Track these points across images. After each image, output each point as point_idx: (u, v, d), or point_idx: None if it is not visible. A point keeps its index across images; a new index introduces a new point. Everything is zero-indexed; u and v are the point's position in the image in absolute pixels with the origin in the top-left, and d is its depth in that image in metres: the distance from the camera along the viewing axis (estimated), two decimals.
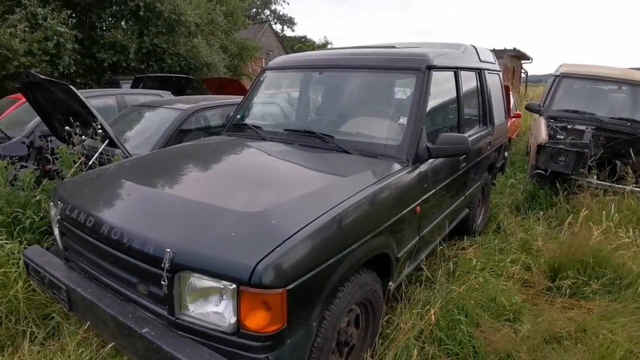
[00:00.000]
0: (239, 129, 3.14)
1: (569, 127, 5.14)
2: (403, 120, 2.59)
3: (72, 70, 11.08)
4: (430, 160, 2.61)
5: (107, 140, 3.57)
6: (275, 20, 61.39)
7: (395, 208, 2.20)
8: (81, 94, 3.39)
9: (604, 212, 3.29)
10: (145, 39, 12.03)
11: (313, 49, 22.08)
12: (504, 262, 3.07)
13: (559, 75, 5.75)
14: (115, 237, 1.74)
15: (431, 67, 2.72)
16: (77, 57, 11.17)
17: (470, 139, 3.37)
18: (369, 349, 2.15)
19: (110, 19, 11.83)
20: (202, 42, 13.57)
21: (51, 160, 3.34)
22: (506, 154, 4.88)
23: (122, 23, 12.33)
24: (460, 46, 3.60)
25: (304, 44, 26.05)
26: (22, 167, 3.88)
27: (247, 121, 3.18)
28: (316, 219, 1.69)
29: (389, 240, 2.16)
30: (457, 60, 3.28)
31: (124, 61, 11.81)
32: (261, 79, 3.40)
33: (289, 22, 61.14)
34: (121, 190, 2.08)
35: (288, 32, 52.50)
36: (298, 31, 68.08)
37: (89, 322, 1.91)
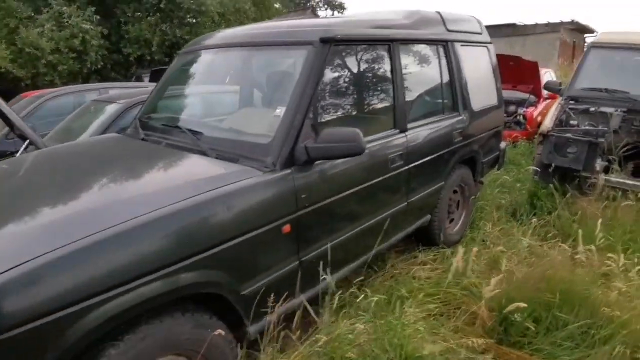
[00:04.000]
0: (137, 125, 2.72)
1: (592, 109, 4.12)
2: (280, 111, 2.00)
3: (99, 66, 11.40)
4: (322, 162, 2.02)
5: (27, 140, 3.35)
6: (326, 5, 60.86)
7: (224, 231, 1.65)
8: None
9: (579, 230, 2.43)
10: (168, 32, 12.08)
11: None
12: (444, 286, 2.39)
13: (588, 46, 4.67)
14: None
15: (329, 41, 2.08)
16: (104, 52, 11.46)
17: (418, 130, 2.73)
18: None
19: (133, 13, 11.99)
20: None
21: None
22: (502, 144, 4.01)
23: (148, 17, 12.47)
24: (410, 13, 2.85)
25: None
26: None
27: (143, 116, 2.75)
28: (57, 248, 1.24)
29: (216, 274, 1.62)
30: (393, 30, 2.57)
31: (149, 54, 11.96)
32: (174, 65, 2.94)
33: (339, 7, 60.25)
34: None
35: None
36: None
37: None
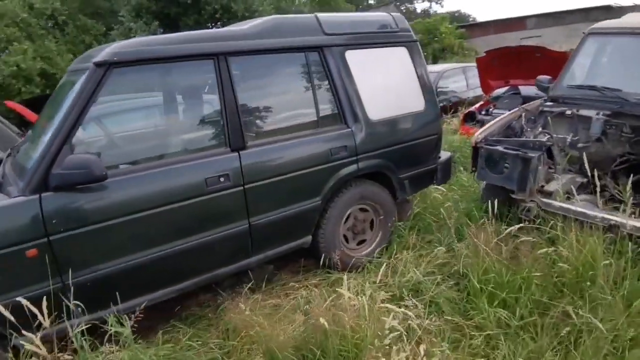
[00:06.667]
0: None
1: (569, 112, 3.34)
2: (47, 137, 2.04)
3: None
4: (93, 187, 2.00)
5: None
6: None
7: None
8: None
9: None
10: None
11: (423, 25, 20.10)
12: None
13: (584, 34, 3.78)
14: None
15: (104, 64, 2.05)
16: None
17: (265, 148, 2.54)
18: None
19: (194, 24, 12.93)
20: None
21: None
22: (444, 155, 3.47)
23: (208, 27, 13.36)
24: (262, 22, 2.60)
25: (423, 19, 23.50)
26: None
27: None
28: None
29: None
30: (225, 42, 2.40)
31: None
32: None
33: None
34: None
35: (438, 9, 49.58)
36: (448, 7, 63.26)
37: None
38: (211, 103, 2.40)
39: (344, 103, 2.83)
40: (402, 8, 51.87)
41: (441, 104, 7.61)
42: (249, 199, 2.48)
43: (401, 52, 3.14)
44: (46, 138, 2.03)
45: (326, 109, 2.82)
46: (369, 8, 37.42)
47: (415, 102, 3.20)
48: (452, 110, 7.64)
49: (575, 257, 2.26)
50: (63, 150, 1.96)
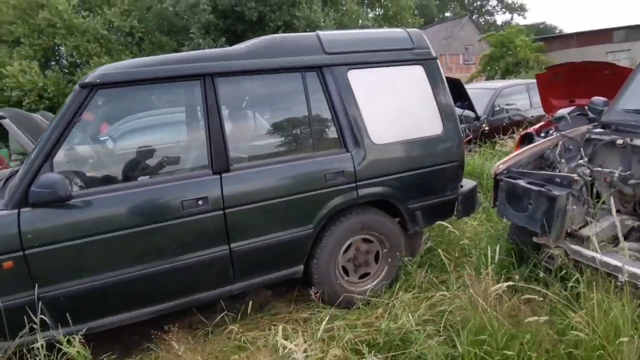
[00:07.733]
0: None
1: (620, 142, 2.83)
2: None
3: None
4: (66, 205, 2.04)
5: None
6: (504, 9, 55.75)
7: None
8: None
9: None
10: None
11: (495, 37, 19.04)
12: None
13: None
14: None
15: (87, 86, 2.09)
16: None
17: (250, 171, 2.45)
18: None
19: None
20: None
21: None
22: (468, 185, 3.11)
23: None
24: (257, 41, 2.51)
25: (497, 31, 22.08)
26: None
27: None
28: None
29: None
30: (213, 63, 2.35)
31: None
32: None
33: (520, 9, 54.51)
34: None
35: (520, 21, 47.02)
36: (532, 18, 59.45)
37: None
38: (196, 124, 2.37)
39: (344, 126, 2.64)
40: (481, 20, 49.78)
41: (497, 123, 7.12)
42: (229, 223, 2.38)
43: (416, 71, 2.88)
44: (32, 156, 2.12)
45: (323, 131, 2.66)
46: (442, 21, 36.50)
47: (431, 126, 2.91)
48: (510, 131, 7.01)
49: (595, 325, 1.84)
50: (43, 168, 2.03)
